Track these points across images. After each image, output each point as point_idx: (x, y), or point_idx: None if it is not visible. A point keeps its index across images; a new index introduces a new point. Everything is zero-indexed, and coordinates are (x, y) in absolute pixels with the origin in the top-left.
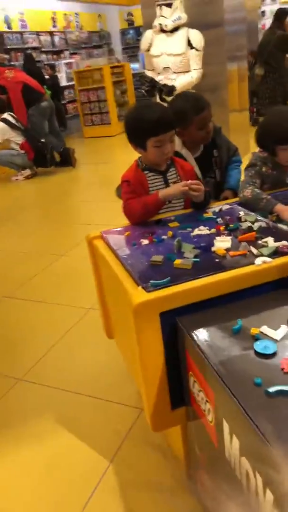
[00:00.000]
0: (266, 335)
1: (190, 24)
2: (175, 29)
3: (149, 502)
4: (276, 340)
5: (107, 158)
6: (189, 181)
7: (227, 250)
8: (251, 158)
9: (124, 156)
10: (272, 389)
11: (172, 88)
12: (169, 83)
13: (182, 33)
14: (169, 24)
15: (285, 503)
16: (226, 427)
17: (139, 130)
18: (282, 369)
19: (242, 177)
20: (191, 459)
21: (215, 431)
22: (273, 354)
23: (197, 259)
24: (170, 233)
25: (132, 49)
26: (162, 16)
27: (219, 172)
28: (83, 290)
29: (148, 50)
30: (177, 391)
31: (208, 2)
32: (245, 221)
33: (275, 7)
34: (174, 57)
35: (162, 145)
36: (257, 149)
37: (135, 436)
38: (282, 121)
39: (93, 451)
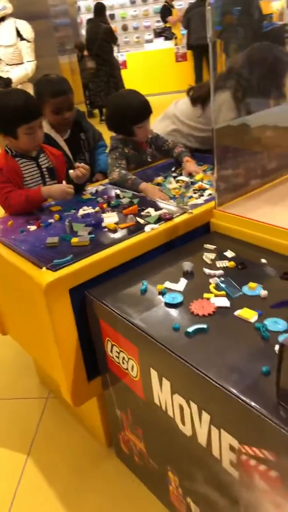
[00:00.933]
0: (170, 289)
1: (16, 15)
2: (1, 19)
3: (76, 482)
4: (180, 291)
5: None
6: (77, 164)
7: (116, 223)
8: (111, 143)
9: None
10: (190, 329)
11: (8, 81)
12: (4, 75)
13: (10, 23)
14: None
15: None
16: (154, 374)
17: (8, 118)
18: (192, 312)
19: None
20: (110, 425)
21: (141, 384)
22: (181, 303)
23: (92, 235)
24: (56, 216)
25: None
26: None
27: (88, 154)
28: None
29: None
30: (91, 363)
31: None
32: (124, 197)
33: (88, 2)
34: (5, 48)
35: (33, 132)
36: (113, 134)
37: (46, 425)
38: (131, 102)
39: (6, 452)
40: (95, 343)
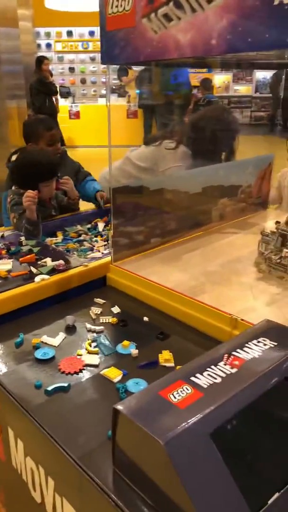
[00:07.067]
0: (46, 343)
1: None
2: None
3: None
4: (55, 347)
5: None
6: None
7: (9, 271)
8: (13, 197)
9: None
10: (50, 388)
11: None
12: None
13: None
14: None
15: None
16: (11, 433)
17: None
18: (60, 369)
19: None
20: None
21: (2, 443)
22: (52, 359)
23: None
24: None
25: None
26: None
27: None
28: None
29: None
30: None
31: None
32: (26, 245)
33: (51, 54)
34: None
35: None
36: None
37: None
38: (40, 160)
39: None
40: None
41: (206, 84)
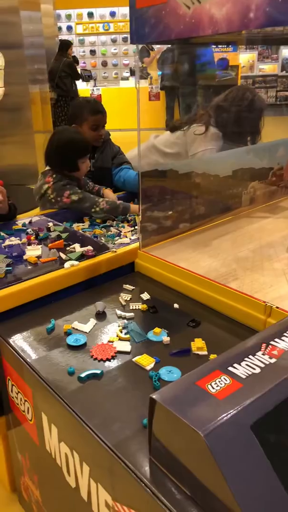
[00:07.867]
0: (77, 329)
1: None
2: None
3: None
4: (86, 333)
5: None
6: None
7: (38, 257)
8: (56, 178)
9: None
10: (83, 374)
11: None
12: None
13: None
14: None
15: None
16: (45, 419)
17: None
18: (92, 356)
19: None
20: (13, 468)
21: (35, 428)
22: (84, 345)
23: (10, 268)
24: None
25: None
26: None
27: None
28: None
29: None
30: None
31: (5, 23)
32: (54, 230)
33: (72, 37)
34: None
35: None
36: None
37: None
38: (75, 137)
39: None
40: (0, 381)
41: (223, 63)
